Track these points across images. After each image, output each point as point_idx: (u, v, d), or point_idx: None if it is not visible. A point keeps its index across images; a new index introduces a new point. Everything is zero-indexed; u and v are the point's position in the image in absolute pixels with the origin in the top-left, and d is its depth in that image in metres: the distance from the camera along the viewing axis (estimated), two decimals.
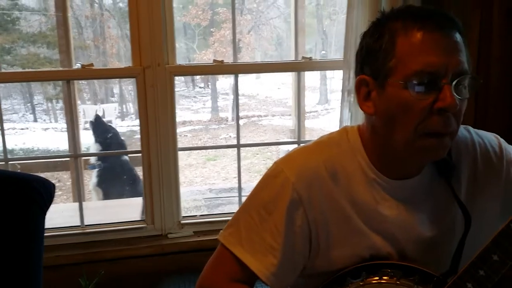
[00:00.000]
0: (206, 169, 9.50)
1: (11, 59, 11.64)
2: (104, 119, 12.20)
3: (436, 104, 0.88)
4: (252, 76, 17.79)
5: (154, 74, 1.91)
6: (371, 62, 0.94)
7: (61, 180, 8.11)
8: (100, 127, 4.39)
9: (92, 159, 4.16)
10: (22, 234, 1.17)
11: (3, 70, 1.76)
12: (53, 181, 1.36)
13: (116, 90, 15.66)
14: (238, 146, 2.09)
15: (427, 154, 0.94)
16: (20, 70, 11.13)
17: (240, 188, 2.19)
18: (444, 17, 0.91)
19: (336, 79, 14.81)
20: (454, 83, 0.88)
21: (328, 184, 0.99)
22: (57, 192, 7.95)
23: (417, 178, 1.00)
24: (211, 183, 8.56)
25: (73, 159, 1.96)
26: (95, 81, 14.10)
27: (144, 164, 1.99)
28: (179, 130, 1.84)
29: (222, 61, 1.99)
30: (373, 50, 0.94)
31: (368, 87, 0.96)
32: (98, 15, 14.46)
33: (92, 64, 1.92)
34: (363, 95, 0.97)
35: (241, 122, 14.05)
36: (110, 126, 4.65)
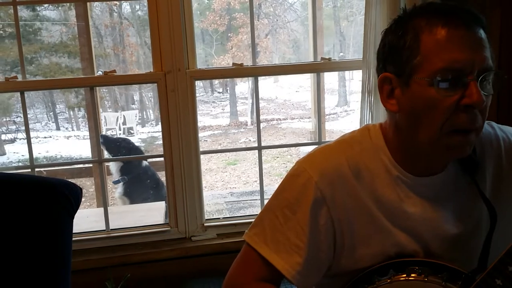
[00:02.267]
0: (226, 173, 9.54)
1: (33, 69, 11.86)
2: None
3: (462, 101, 0.88)
4: (271, 79, 17.89)
5: (175, 79, 1.93)
6: (395, 60, 0.94)
7: (85, 187, 8.24)
8: (109, 143, 4.43)
9: (115, 175, 4.20)
10: (50, 239, 1.19)
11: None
12: None
13: (136, 97, 15.84)
14: (260, 148, 2.10)
15: (453, 152, 0.93)
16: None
17: (262, 190, 2.19)
18: (468, 13, 0.90)
19: (355, 80, 14.73)
20: (479, 79, 0.87)
21: (352, 182, 0.99)
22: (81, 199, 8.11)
23: (441, 175, 1.00)
24: (231, 187, 8.58)
25: (97, 164, 1.99)
26: (116, 88, 14.30)
27: (167, 168, 2.01)
28: (199, 135, 1.87)
29: (241, 64, 2.00)
30: (396, 48, 0.93)
31: (391, 84, 0.96)
32: (117, 24, 14.65)
33: (114, 71, 1.96)
34: (386, 93, 0.97)
35: (260, 126, 14.09)
36: (117, 137, 4.69)
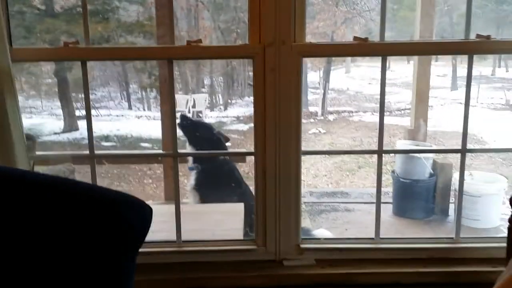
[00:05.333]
0: None
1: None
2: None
3: None
4: (342, 70, 17.32)
5: (277, 54, 1.47)
6: None
7: (152, 168, 8.05)
8: (188, 126, 3.90)
9: (190, 160, 3.73)
10: (105, 281, 0.76)
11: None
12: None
13: (207, 81, 15.74)
14: (380, 152, 1.59)
15: None
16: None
17: (379, 196, 1.66)
18: None
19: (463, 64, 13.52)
20: None
21: None
22: (148, 181, 7.91)
23: None
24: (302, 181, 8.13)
25: (172, 159, 1.57)
26: (187, 71, 14.17)
27: (257, 169, 1.56)
28: None
29: (366, 40, 1.50)
30: None
31: None
32: (193, 7, 14.52)
33: (200, 40, 1.51)
34: None
35: (331, 117, 13.50)
36: (198, 121, 4.13)
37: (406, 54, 1.62)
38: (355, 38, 1.50)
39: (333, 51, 1.56)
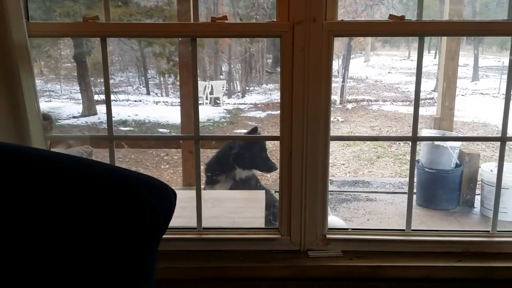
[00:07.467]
0: None
1: None
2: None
3: None
4: (361, 59, 17.09)
5: (306, 33, 1.38)
6: None
7: (169, 153, 8.03)
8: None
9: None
10: (122, 274, 0.70)
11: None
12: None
13: (224, 68, 15.67)
14: (414, 139, 1.49)
15: None
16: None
17: (411, 185, 1.59)
18: None
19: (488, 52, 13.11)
20: None
21: None
22: (165, 166, 7.90)
23: None
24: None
25: (193, 143, 1.50)
26: (206, 57, 14.09)
27: (283, 154, 1.48)
28: None
29: (402, 18, 1.40)
30: None
31: None
32: None
33: (225, 17, 1.43)
34: None
35: (349, 106, 13.34)
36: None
37: (447, 34, 1.50)
38: (391, 16, 1.41)
39: (367, 30, 1.46)
